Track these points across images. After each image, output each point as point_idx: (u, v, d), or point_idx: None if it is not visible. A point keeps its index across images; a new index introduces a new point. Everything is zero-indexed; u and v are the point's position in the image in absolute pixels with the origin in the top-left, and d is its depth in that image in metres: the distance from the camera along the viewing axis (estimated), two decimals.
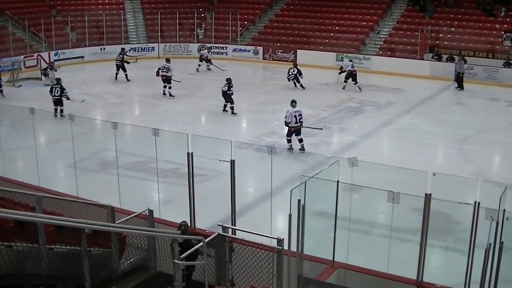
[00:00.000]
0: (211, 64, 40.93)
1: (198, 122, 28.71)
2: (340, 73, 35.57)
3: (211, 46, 45.79)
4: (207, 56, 41.73)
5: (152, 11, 48.96)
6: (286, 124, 23.12)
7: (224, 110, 28.95)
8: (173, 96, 32.42)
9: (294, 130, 22.95)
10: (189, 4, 50.03)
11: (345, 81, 34.68)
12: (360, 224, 15.84)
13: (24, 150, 22.29)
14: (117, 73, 37.24)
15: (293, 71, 35.00)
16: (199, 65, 40.97)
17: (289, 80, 34.95)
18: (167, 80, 32.74)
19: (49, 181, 18.77)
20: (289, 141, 23.00)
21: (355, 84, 34.14)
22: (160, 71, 32.84)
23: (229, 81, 29.07)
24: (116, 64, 37.15)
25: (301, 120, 23.03)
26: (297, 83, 34.68)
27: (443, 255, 15.08)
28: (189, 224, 13.02)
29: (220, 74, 37.14)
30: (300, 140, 22.92)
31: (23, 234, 9.08)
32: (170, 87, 32.77)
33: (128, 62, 37.39)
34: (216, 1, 51.04)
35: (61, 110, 28.21)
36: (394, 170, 15.74)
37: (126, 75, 37.14)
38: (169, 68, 32.76)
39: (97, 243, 10.38)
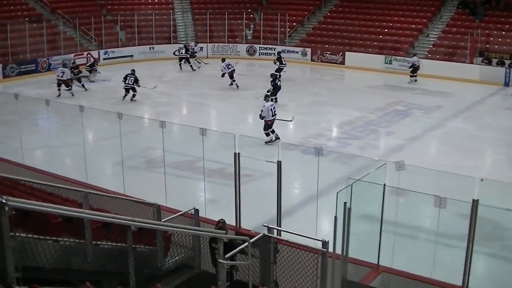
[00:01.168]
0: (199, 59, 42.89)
1: (245, 123, 28.76)
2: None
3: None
4: (193, 48, 43.54)
5: (201, 11, 49.19)
6: (262, 117, 23.92)
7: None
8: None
9: (271, 123, 23.91)
10: (237, 5, 50.22)
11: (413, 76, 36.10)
12: (406, 228, 15.76)
13: (72, 147, 22.53)
14: (180, 64, 40.05)
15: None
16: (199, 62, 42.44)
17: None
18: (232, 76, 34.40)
19: (96, 178, 19.00)
20: (268, 134, 23.76)
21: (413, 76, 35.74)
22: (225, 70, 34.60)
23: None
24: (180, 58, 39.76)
25: (275, 113, 24.15)
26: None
27: (489, 262, 14.91)
28: (236, 224, 13.08)
29: (267, 76, 37.13)
30: (273, 131, 24.10)
31: (70, 230, 9.20)
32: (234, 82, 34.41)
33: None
34: (265, 2, 51.10)
35: (134, 95, 31.81)
36: (441, 174, 15.64)
37: (191, 65, 39.89)
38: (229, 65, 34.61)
39: (143, 240, 10.46)
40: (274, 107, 24.25)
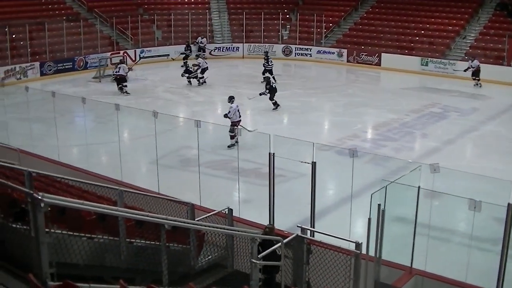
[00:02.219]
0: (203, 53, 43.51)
1: (280, 123, 28.75)
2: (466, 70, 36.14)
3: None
4: (204, 45, 44.48)
5: (237, 11, 49.24)
6: (227, 117, 23.55)
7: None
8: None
9: (237, 124, 23.31)
10: (274, 5, 50.20)
11: (477, 79, 35.55)
12: (440, 231, 15.68)
13: (108, 145, 22.69)
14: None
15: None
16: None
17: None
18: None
19: (131, 176, 19.10)
20: (232, 137, 23.07)
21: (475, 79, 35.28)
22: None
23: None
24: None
25: (240, 115, 23.99)
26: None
27: None
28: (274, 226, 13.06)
29: (303, 76, 37.20)
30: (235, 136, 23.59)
31: (104, 227, 9.27)
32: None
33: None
34: (301, 2, 51.02)
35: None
36: (476, 177, 15.53)
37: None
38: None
39: (176, 239, 10.51)
40: (239, 109, 23.98)
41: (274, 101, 29.51)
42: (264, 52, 39.36)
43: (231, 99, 24.20)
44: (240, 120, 23.89)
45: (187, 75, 35.46)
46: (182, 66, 38.41)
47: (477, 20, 43.20)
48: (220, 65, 41.44)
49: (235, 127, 22.58)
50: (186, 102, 32.18)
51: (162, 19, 47.42)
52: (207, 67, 35.79)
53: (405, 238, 12.20)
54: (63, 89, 32.90)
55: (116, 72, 33.29)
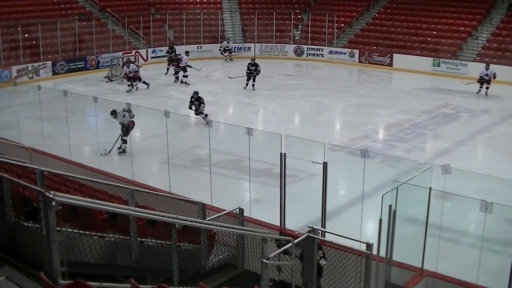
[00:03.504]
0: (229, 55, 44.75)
1: (292, 123, 28.76)
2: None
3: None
4: (227, 46, 44.48)
5: (249, 11, 49.26)
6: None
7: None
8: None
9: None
10: (286, 5, 50.24)
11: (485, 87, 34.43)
12: (451, 232, 15.65)
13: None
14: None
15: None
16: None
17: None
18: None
19: (142, 175, 19.15)
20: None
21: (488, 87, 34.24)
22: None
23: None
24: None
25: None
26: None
27: None
28: (280, 224, 13.04)
29: (315, 76, 37.17)
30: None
31: (115, 226, 9.29)
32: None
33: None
34: (313, 2, 50.99)
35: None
36: (488, 179, 15.50)
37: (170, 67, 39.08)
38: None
39: (187, 238, 10.51)
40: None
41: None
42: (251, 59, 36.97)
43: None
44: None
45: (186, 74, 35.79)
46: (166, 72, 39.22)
47: (489, 21, 43.07)
48: (232, 65, 41.41)
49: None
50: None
51: (174, 18, 47.46)
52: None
53: (416, 239, 12.19)
54: (75, 88, 33.02)
55: (127, 72, 33.34)
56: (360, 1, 49.26)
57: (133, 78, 33.42)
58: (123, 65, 35.72)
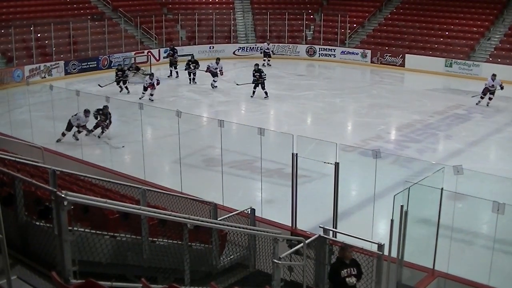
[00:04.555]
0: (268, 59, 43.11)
1: (304, 123, 28.75)
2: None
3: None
4: (267, 48, 43.37)
5: (261, 11, 49.27)
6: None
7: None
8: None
9: None
10: (298, 5, 50.22)
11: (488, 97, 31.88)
12: (463, 233, 15.61)
13: (131, 144, 22.77)
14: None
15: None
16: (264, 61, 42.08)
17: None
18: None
19: (154, 175, 19.16)
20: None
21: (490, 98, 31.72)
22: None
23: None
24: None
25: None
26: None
27: None
28: (292, 225, 12.99)
29: (328, 77, 37.16)
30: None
31: (127, 226, 9.31)
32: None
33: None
34: (325, 2, 50.94)
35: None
36: (500, 180, 15.43)
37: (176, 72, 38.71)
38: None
39: (198, 238, 10.53)
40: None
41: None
42: (255, 65, 34.74)
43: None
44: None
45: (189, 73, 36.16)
46: (169, 75, 38.85)
47: (502, 22, 42.88)
48: (244, 65, 41.42)
49: None
50: (210, 102, 32.23)
51: (186, 18, 47.53)
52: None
53: (428, 240, 12.16)
54: (87, 88, 33.12)
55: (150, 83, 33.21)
56: (373, 1, 49.15)
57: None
58: (134, 69, 36.01)
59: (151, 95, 31.30)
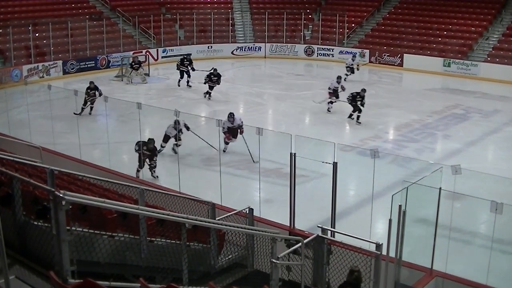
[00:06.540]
0: (351, 73, 38.22)
1: (302, 123, 28.76)
2: None
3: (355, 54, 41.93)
4: (351, 63, 38.43)
5: (259, 11, 49.30)
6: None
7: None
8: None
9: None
10: (296, 5, 50.24)
11: None
12: (461, 233, 15.61)
13: (130, 144, 22.74)
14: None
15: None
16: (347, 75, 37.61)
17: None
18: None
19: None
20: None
21: None
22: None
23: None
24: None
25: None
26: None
27: None
28: (290, 224, 12.99)
29: (326, 76, 37.11)
30: None
31: (125, 225, 9.30)
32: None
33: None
34: (324, 2, 50.96)
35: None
36: (498, 180, 15.45)
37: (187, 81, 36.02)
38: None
39: (197, 238, 10.51)
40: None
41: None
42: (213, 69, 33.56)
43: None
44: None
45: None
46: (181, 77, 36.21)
47: (500, 21, 42.88)
48: (243, 65, 41.42)
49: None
50: (208, 102, 32.20)
51: (185, 18, 47.52)
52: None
53: (426, 239, 12.17)
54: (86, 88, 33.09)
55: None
56: (371, 1, 49.18)
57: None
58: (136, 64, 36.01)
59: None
